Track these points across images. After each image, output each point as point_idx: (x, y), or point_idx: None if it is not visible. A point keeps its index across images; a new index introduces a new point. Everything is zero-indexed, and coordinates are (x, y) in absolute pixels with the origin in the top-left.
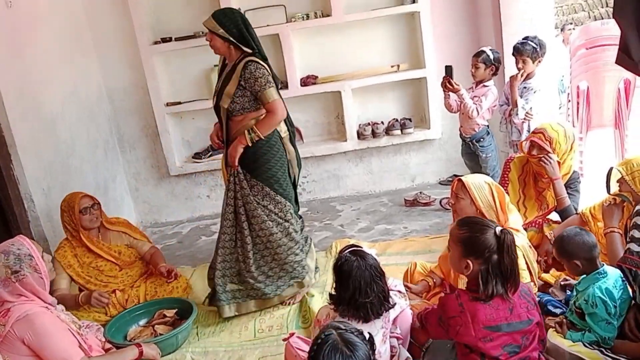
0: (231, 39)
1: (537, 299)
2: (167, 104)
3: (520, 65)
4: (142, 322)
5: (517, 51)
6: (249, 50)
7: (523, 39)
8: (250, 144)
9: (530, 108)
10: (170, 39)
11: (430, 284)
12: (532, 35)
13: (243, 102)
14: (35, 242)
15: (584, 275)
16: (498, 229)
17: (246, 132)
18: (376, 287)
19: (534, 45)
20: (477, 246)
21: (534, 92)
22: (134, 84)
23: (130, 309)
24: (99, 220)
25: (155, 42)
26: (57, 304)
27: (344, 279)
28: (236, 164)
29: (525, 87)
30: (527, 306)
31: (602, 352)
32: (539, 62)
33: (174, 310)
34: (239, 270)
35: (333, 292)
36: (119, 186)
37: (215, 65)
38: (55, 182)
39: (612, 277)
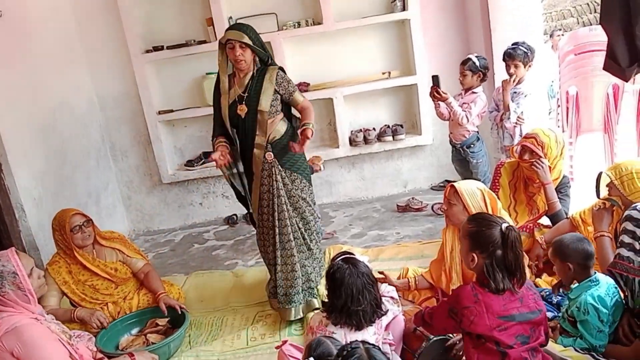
0: (262, 51)
1: None
2: (159, 112)
3: (512, 70)
4: (134, 331)
5: (509, 56)
6: (266, 61)
7: (513, 44)
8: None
9: (522, 112)
10: (162, 48)
11: (410, 283)
12: (521, 41)
13: (276, 106)
14: (26, 255)
15: (577, 284)
16: (504, 225)
17: (306, 125)
18: (368, 294)
19: (525, 50)
20: (483, 240)
21: (525, 97)
22: (125, 93)
23: (122, 318)
24: (92, 237)
25: (147, 51)
26: (47, 313)
27: (336, 286)
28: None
29: (515, 92)
30: (534, 297)
31: (593, 357)
32: (530, 66)
33: (166, 319)
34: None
35: (326, 300)
36: (111, 195)
37: (207, 74)
38: (46, 191)
39: (604, 284)
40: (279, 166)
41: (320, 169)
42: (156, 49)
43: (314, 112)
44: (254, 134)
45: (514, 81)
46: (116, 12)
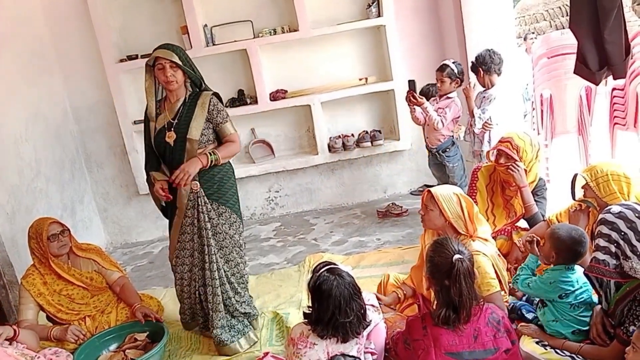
0: (193, 73)
1: (510, 305)
2: (135, 122)
3: (481, 78)
4: (113, 347)
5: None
6: (199, 85)
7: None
8: (207, 165)
9: (489, 118)
10: (136, 57)
11: (400, 295)
12: (488, 47)
13: (208, 135)
14: None
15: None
16: (456, 256)
17: (208, 153)
18: (355, 305)
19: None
20: (434, 267)
21: (490, 102)
22: (100, 103)
23: (99, 333)
24: (68, 247)
25: (122, 60)
26: (16, 334)
27: (323, 298)
28: (189, 182)
29: (484, 97)
30: (494, 334)
31: (573, 358)
32: (498, 73)
33: (145, 334)
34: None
35: (308, 311)
36: (87, 207)
37: None
38: (19, 205)
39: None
40: (204, 197)
41: None
42: (130, 57)
43: (237, 149)
44: (181, 163)
45: (474, 87)
46: (89, 21)
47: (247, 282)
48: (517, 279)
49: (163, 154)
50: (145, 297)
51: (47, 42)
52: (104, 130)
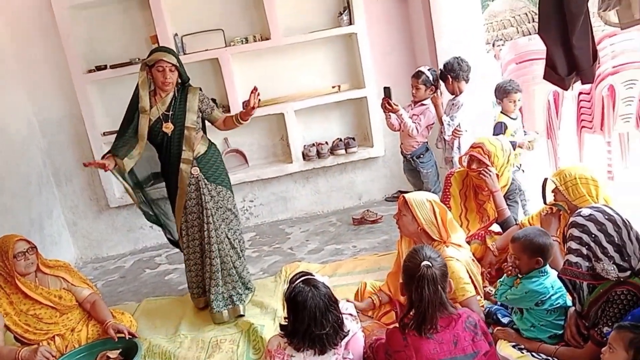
0: (185, 72)
1: (485, 309)
2: (104, 134)
3: (450, 86)
4: None
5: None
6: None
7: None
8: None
9: (459, 124)
10: (105, 67)
11: (375, 301)
12: (456, 55)
13: (199, 122)
14: None
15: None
16: (424, 263)
17: (234, 117)
18: (331, 316)
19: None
20: (407, 274)
21: (458, 109)
22: (68, 115)
23: (70, 352)
24: (35, 265)
25: (90, 71)
26: None
27: (298, 310)
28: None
29: (453, 104)
30: (472, 338)
31: None
32: (466, 80)
33: (118, 351)
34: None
35: (284, 323)
36: (55, 222)
37: None
38: None
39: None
40: (205, 179)
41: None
42: (99, 68)
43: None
44: (180, 150)
45: (441, 94)
46: (55, 31)
47: (245, 249)
48: (497, 293)
49: (160, 144)
50: (117, 313)
51: (10, 54)
52: (72, 143)
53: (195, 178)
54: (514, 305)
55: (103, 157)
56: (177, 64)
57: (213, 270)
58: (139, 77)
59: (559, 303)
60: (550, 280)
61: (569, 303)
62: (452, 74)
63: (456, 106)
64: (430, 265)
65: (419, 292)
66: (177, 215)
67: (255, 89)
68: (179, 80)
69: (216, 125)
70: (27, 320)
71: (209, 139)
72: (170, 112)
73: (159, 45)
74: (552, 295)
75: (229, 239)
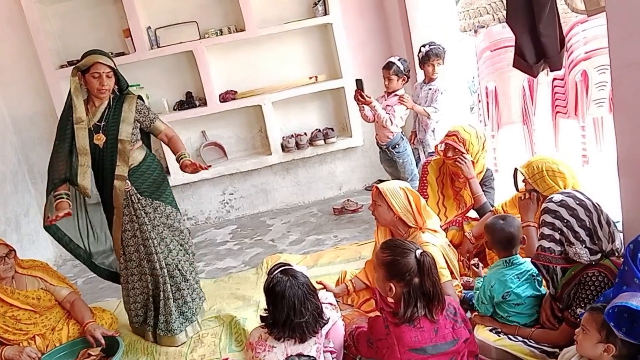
0: (124, 78)
1: (462, 295)
2: None
3: (431, 68)
4: None
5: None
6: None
7: (424, 45)
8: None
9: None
10: (77, 62)
11: (349, 287)
12: (435, 41)
13: (136, 134)
14: None
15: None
16: (418, 252)
17: (183, 157)
18: (310, 305)
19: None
20: (399, 269)
21: (441, 94)
22: (41, 111)
23: (51, 351)
24: (13, 269)
25: (62, 66)
26: None
27: (277, 300)
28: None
29: (430, 89)
30: (452, 325)
31: (525, 343)
32: (439, 64)
33: (99, 348)
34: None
35: (265, 314)
36: (32, 220)
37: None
38: None
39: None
40: (137, 194)
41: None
42: (71, 63)
43: (180, 139)
44: (114, 164)
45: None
46: (25, 27)
47: (195, 269)
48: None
49: (92, 157)
50: (98, 311)
51: None
52: (47, 140)
53: (127, 193)
54: (490, 303)
55: (56, 200)
56: (115, 68)
57: (164, 295)
58: (70, 83)
59: (525, 294)
60: (514, 273)
61: (542, 290)
62: (438, 54)
63: (437, 92)
64: (424, 251)
65: (430, 279)
66: (114, 235)
67: (206, 168)
68: (116, 88)
69: (159, 138)
70: (5, 321)
71: (147, 149)
72: (103, 123)
73: (132, 38)
74: (518, 287)
75: (170, 259)
